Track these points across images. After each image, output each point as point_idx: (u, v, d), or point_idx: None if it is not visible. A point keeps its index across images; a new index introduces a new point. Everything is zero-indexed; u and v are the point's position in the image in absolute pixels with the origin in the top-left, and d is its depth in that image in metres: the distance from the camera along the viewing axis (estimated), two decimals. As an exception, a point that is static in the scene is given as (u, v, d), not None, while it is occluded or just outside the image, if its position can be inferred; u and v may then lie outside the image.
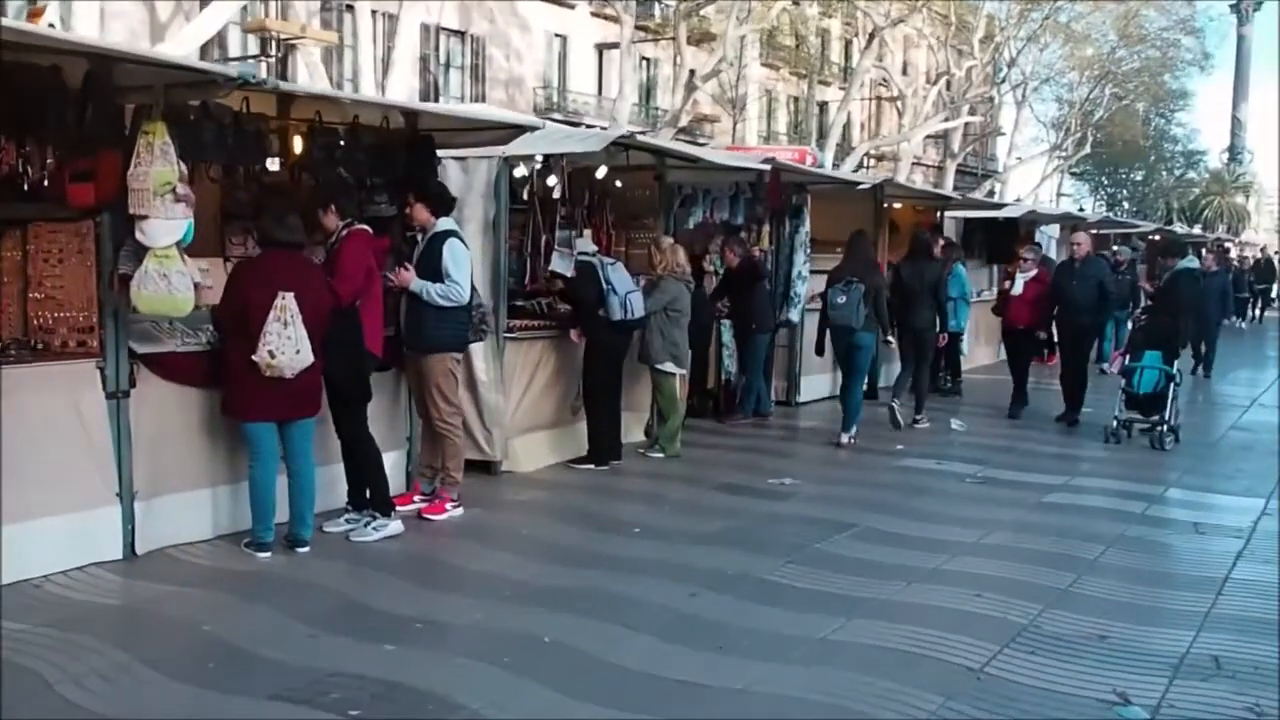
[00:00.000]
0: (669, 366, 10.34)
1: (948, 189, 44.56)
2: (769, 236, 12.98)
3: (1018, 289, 13.37)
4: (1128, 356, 12.51)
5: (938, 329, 12.83)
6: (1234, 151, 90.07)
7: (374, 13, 27.76)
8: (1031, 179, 57.02)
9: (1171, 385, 12.07)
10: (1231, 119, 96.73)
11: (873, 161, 53.90)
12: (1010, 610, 6.45)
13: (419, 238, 7.94)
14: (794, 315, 13.04)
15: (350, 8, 26.96)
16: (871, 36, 39.44)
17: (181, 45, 18.14)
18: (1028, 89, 51.94)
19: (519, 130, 8.47)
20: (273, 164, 7.80)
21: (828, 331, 11.60)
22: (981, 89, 47.00)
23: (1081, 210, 44.83)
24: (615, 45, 40.46)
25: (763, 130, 51.38)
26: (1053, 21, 45.76)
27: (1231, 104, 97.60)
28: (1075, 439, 12.30)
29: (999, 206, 18.74)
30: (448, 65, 37.56)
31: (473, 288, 8.07)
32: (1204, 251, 18.21)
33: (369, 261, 7.32)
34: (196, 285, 6.48)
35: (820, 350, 12.02)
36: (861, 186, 13.34)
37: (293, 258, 6.87)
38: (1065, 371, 13.24)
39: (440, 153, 8.88)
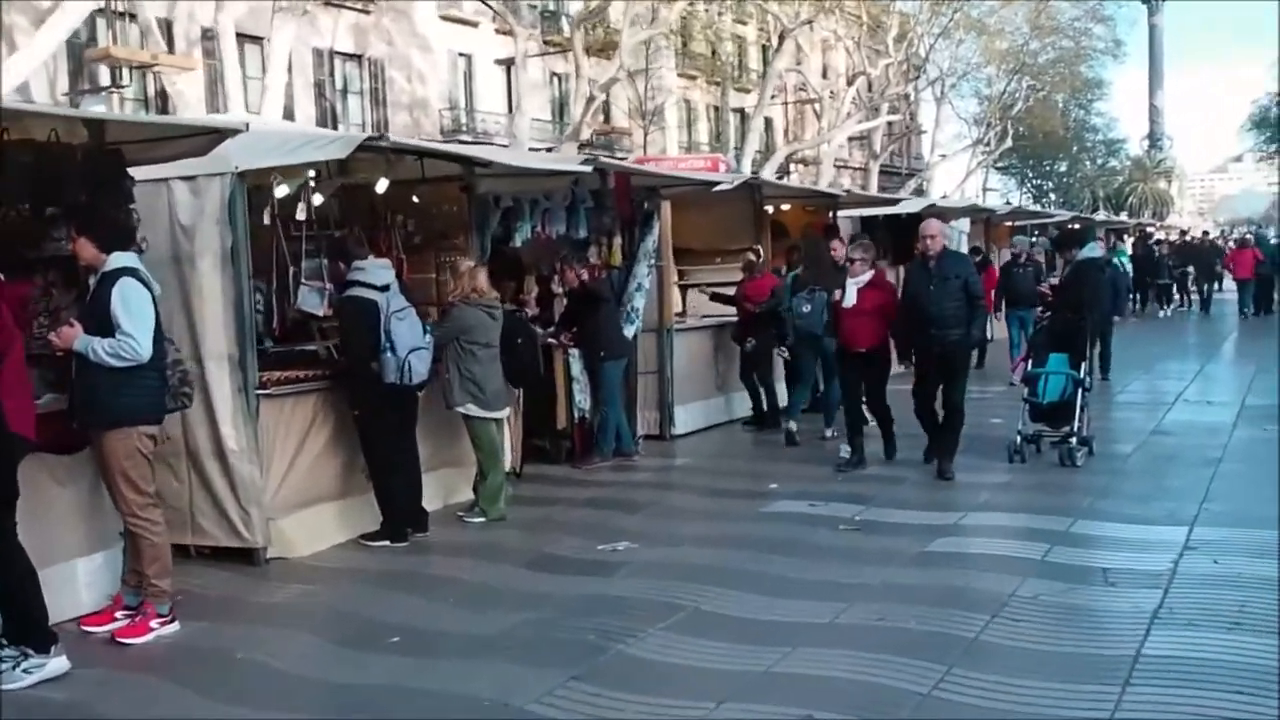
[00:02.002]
0: (472, 409, 8.50)
1: (873, 189, 43.11)
2: (621, 250, 11.18)
3: (849, 299, 10.11)
4: (1030, 362, 10.79)
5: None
6: (1154, 138, 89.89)
7: (240, 36, 25.80)
8: (957, 175, 55.89)
9: (1080, 391, 10.37)
10: (1149, 107, 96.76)
11: (799, 166, 52.47)
12: (846, 740, 4.65)
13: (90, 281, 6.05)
14: (629, 332, 11.21)
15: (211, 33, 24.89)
16: (781, 38, 37.83)
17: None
18: (946, 86, 50.81)
19: (224, 135, 6.59)
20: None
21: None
22: (899, 88, 45.59)
23: (1009, 203, 43.45)
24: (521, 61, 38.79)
25: (683, 140, 49.75)
26: (964, 16, 44.54)
27: (1148, 92, 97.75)
28: (976, 460, 10.51)
29: (893, 202, 17.05)
30: (345, 90, 35.61)
31: (164, 340, 6.17)
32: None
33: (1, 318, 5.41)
34: None
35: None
36: (720, 187, 11.50)
37: None
38: (923, 404, 10.14)
39: (159, 171, 7.04)
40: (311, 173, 8.17)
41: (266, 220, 7.68)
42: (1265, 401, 13.54)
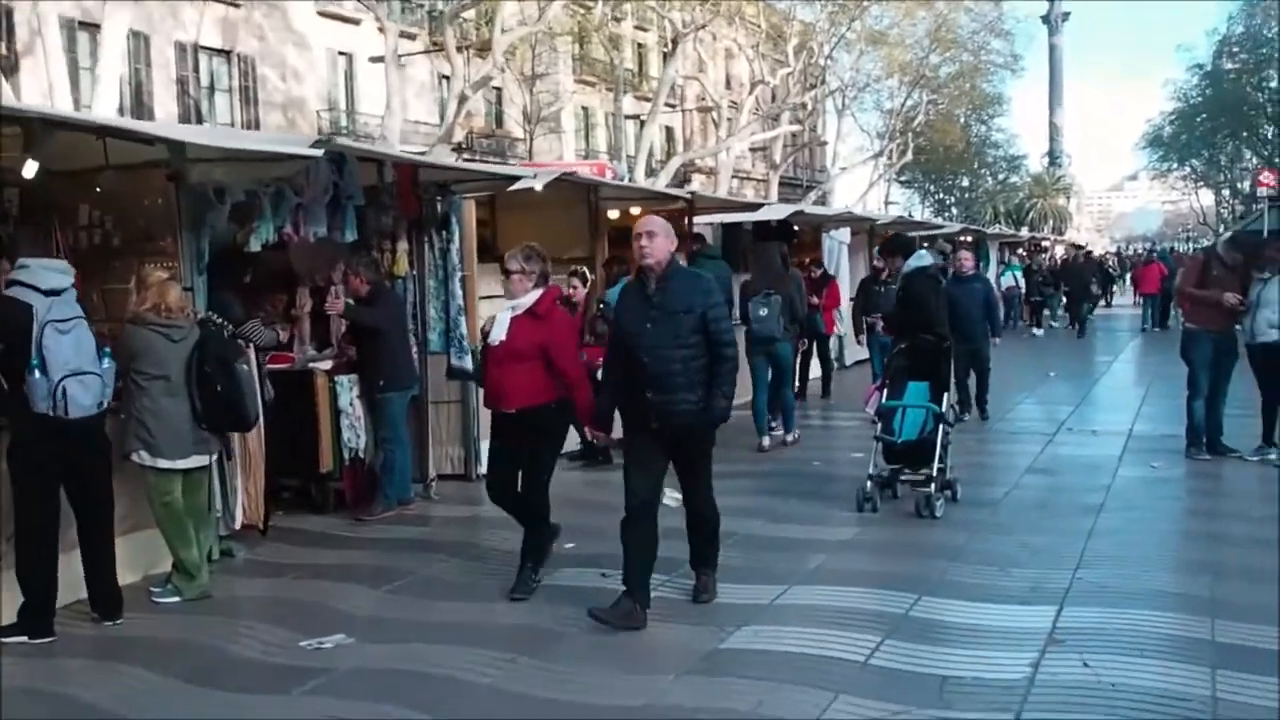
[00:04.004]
0: (144, 456, 6.54)
1: (773, 200, 41.56)
2: (409, 257, 9.28)
3: (497, 333, 6.56)
4: (885, 392, 9.06)
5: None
6: (1053, 156, 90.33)
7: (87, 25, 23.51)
8: (859, 188, 54.72)
9: (941, 427, 8.66)
10: (1049, 125, 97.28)
11: (702, 176, 50.90)
12: None
13: None
14: (467, 363, 9.35)
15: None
16: (675, 43, 36.10)
17: None
18: (847, 98, 49.65)
19: None
20: None
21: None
22: (798, 97, 44.12)
23: (908, 214, 42.14)
24: (407, 58, 36.74)
25: (580, 148, 47.91)
26: (864, 27, 43.31)
27: (1048, 110, 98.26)
28: (821, 509, 8.79)
29: (754, 207, 15.30)
30: (212, 88, 33.29)
31: None
32: (957, 250, 14.16)
33: None
34: None
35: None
36: (522, 184, 9.53)
37: None
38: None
39: None
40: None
41: None
42: (1155, 430, 12.01)
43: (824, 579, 6.90)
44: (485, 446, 10.07)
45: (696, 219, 13.69)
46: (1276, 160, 50.91)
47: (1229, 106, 53.77)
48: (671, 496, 9.02)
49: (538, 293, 6.56)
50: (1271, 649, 5.43)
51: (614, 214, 13.25)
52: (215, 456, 7.00)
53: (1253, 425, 10.43)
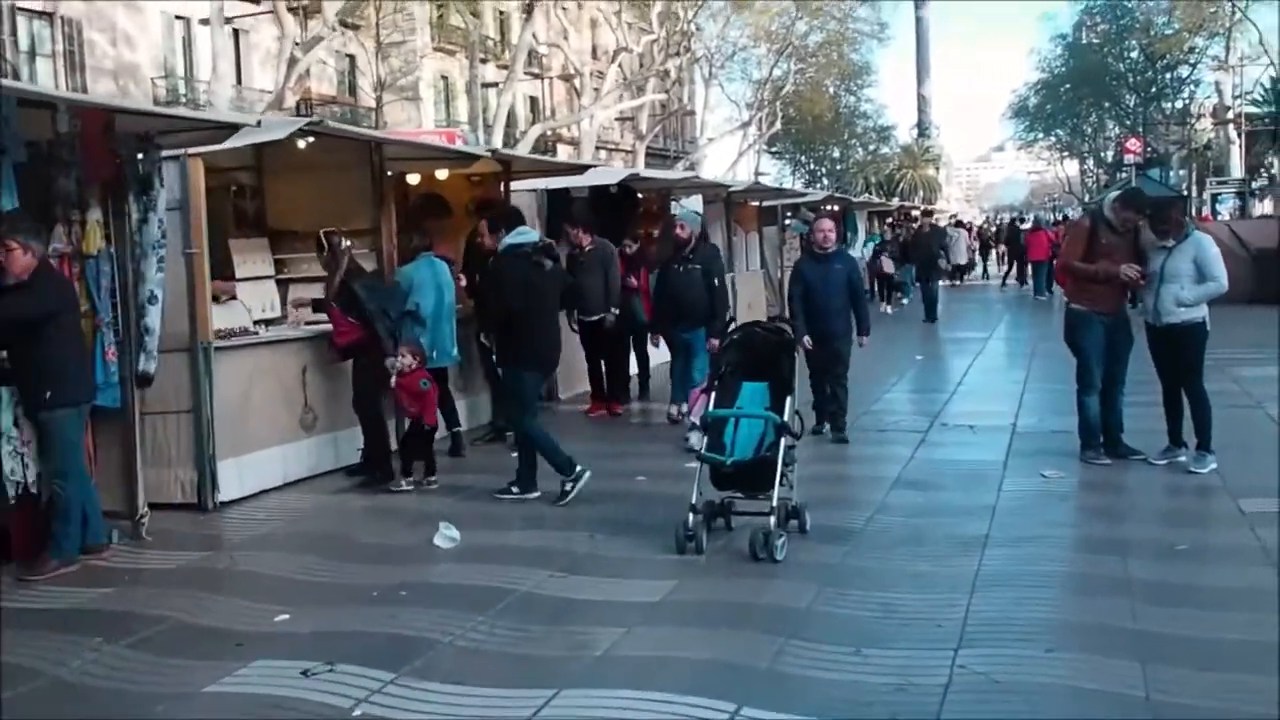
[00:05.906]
0: None
1: (639, 170, 39.43)
2: (103, 229, 6.99)
3: None
4: (713, 396, 7.05)
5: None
6: (922, 127, 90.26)
7: None
8: (729, 158, 53.09)
9: (784, 441, 6.67)
10: (917, 96, 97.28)
11: (568, 148, 48.63)
12: None
13: None
14: (149, 366, 7.08)
15: None
16: (530, 8, 33.85)
17: None
18: (714, 66, 47.98)
19: None
20: None
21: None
22: (663, 65, 42.15)
23: (779, 185, 40.37)
24: (252, 23, 34.01)
25: (440, 118, 45.30)
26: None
27: (916, 82, 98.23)
28: (637, 546, 6.76)
29: (581, 170, 13.14)
30: (33, 53, 30.14)
31: None
32: (816, 220, 11.19)
33: None
34: None
35: None
36: (242, 137, 7.15)
37: None
38: None
39: None
40: None
41: None
42: (1041, 424, 10.27)
43: (609, 676, 4.80)
44: (228, 465, 7.99)
45: (514, 185, 11.54)
46: (1139, 129, 50.58)
47: (1092, 76, 53.45)
48: (446, 535, 7.01)
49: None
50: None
51: (414, 179, 11.06)
52: None
53: (1156, 418, 8.62)
